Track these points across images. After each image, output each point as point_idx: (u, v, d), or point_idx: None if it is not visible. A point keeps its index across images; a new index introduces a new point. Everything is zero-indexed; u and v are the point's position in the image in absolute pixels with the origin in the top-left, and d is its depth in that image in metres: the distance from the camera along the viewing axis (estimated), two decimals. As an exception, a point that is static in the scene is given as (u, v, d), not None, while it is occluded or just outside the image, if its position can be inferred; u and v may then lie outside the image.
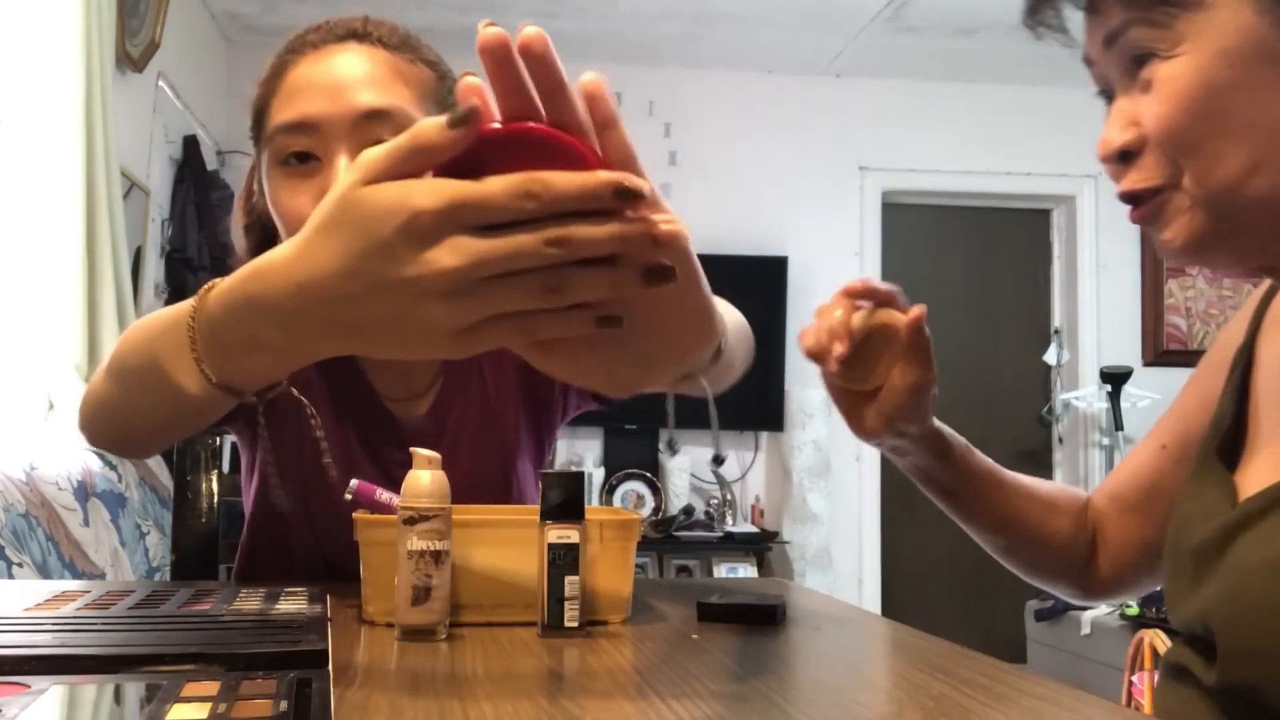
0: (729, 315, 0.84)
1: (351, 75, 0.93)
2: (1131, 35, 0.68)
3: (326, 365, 1.05)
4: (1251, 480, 0.75)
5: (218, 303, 0.58)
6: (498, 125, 0.49)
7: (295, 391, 1.03)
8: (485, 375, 1.13)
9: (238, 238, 1.10)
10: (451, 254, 0.47)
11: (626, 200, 0.46)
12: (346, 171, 0.50)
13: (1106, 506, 0.99)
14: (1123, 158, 0.71)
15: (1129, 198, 0.71)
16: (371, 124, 0.92)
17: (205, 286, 0.60)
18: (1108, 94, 0.74)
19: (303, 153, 0.92)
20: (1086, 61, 0.75)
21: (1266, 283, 0.86)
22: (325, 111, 0.91)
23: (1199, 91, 0.66)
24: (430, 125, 0.48)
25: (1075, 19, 0.76)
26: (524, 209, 0.46)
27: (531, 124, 0.49)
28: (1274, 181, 0.67)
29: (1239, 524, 0.71)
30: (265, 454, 1.03)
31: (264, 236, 1.04)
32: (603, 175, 0.46)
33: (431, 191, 0.46)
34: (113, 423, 0.77)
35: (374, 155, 0.49)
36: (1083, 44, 0.74)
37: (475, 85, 0.48)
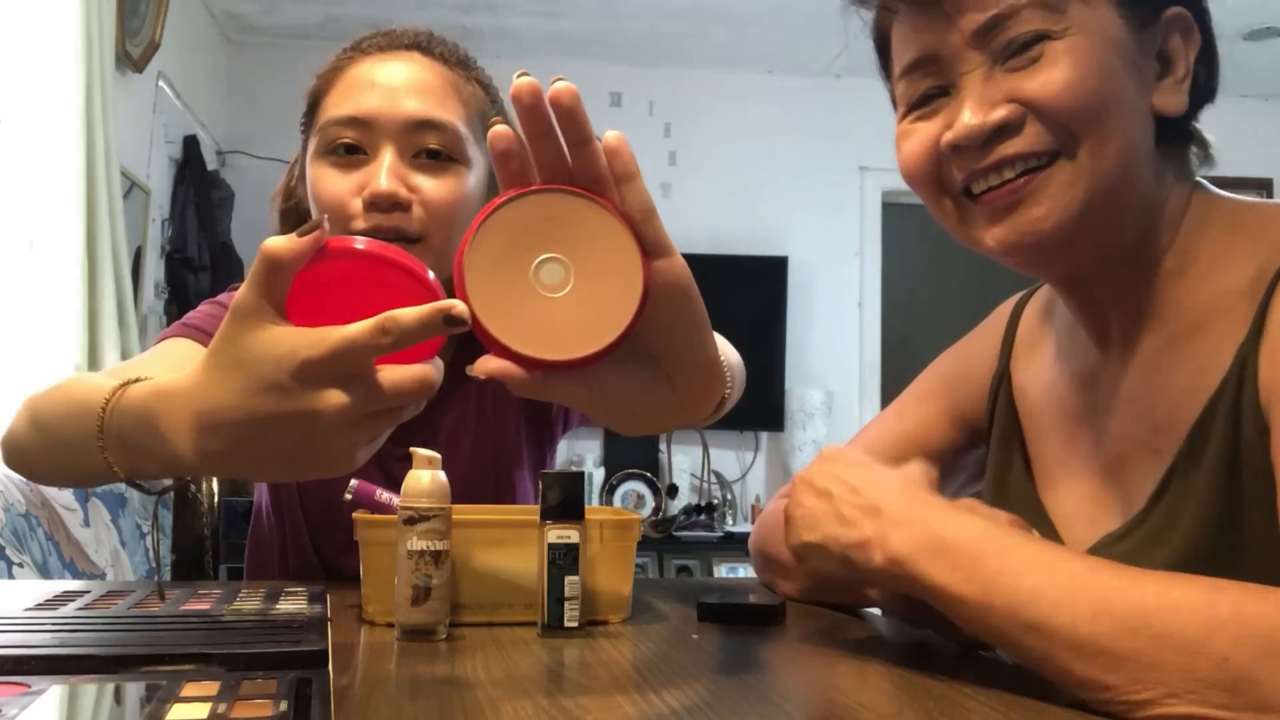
0: (729, 356, 0.87)
1: (409, 82, 0.97)
2: (1024, 19, 0.71)
3: None
4: (1058, 502, 0.83)
5: (127, 408, 0.60)
6: (360, 245, 0.55)
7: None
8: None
9: (274, 222, 1.11)
10: (343, 392, 0.52)
11: (453, 326, 0.52)
12: (230, 316, 0.53)
13: None
14: (992, 136, 0.72)
15: (1012, 161, 0.72)
16: (420, 131, 0.96)
17: (121, 383, 0.62)
18: (935, 94, 0.77)
19: (351, 145, 0.96)
20: (923, 61, 0.77)
21: (1010, 305, 0.96)
22: (379, 110, 0.95)
23: (1097, 64, 0.71)
24: (275, 242, 0.52)
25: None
26: (382, 344, 0.51)
27: (374, 253, 0.54)
28: (1140, 163, 0.73)
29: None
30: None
31: (299, 223, 1.05)
32: (436, 306, 0.52)
33: (316, 342, 0.51)
34: (26, 465, 0.81)
35: (245, 297, 0.53)
36: (919, 42, 0.77)
37: (321, 220, 0.54)
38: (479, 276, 0.53)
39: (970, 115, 0.73)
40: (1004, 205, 0.73)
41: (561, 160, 0.53)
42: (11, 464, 0.83)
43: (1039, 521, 0.82)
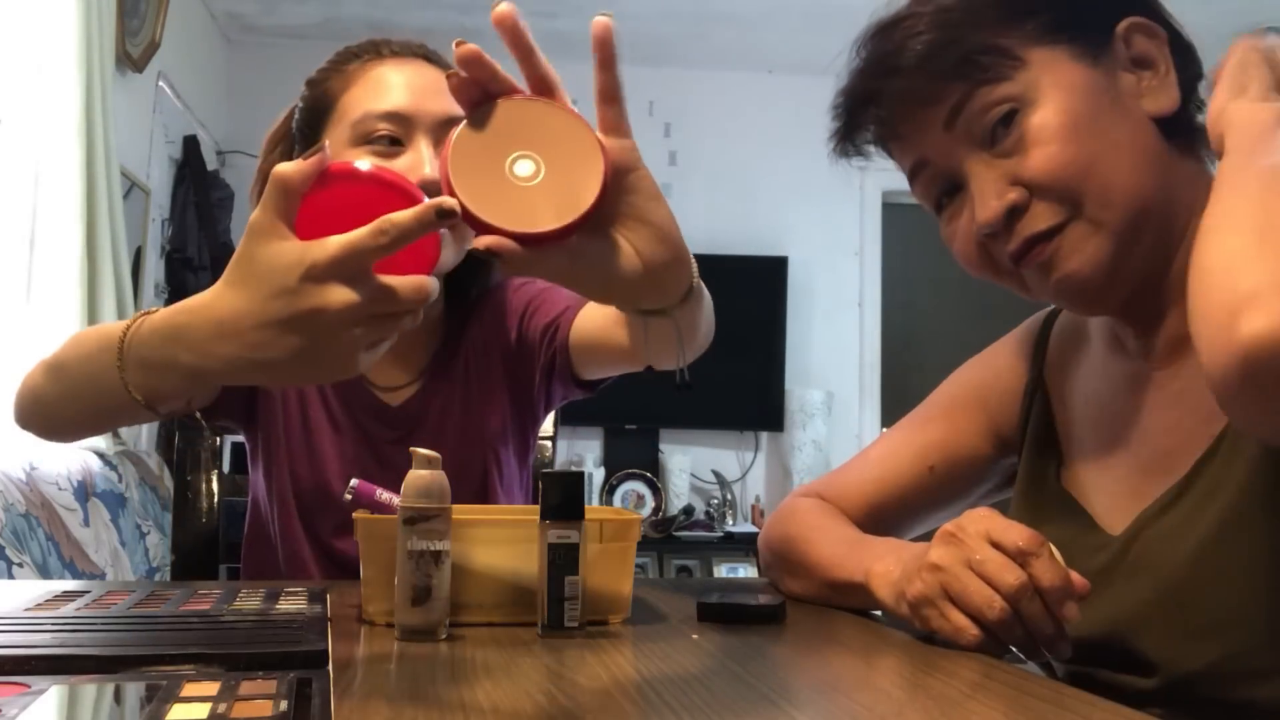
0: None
1: (432, 83, 1.11)
2: (980, 97, 0.77)
3: None
4: (1095, 500, 0.84)
5: (148, 331, 0.67)
6: (364, 167, 0.64)
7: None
8: (469, 365, 1.21)
9: None
10: (348, 290, 0.58)
11: (445, 218, 0.58)
12: (246, 236, 0.61)
13: (867, 523, 0.98)
14: (1010, 217, 0.77)
15: (1036, 239, 0.77)
16: (450, 127, 1.02)
17: (142, 313, 0.69)
18: (949, 191, 0.82)
19: (392, 137, 1.08)
20: (918, 167, 0.83)
21: (1039, 319, 0.99)
22: (418, 106, 1.08)
23: (1074, 125, 0.75)
24: (284, 166, 0.60)
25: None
26: (381, 244, 0.58)
27: (374, 174, 0.64)
28: (1155, 182, 0.76)
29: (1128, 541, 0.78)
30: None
31: None
32: (429, 203, 0.58)
33: (320, 246, 0.58)
34: (41, 413, 0.89)
35: (259, 217, 0.60)
36: (908, 155, 0.83)
37: (323, 145, 0.61)
38: (462, 175, 0.60)
39: (983, 205, 0.78)
40: (1040, 266, 0.78)
41: (513, 90, 0.61)
42: (25, 419, 0.90)
43: (1078, 515, 0.84)
